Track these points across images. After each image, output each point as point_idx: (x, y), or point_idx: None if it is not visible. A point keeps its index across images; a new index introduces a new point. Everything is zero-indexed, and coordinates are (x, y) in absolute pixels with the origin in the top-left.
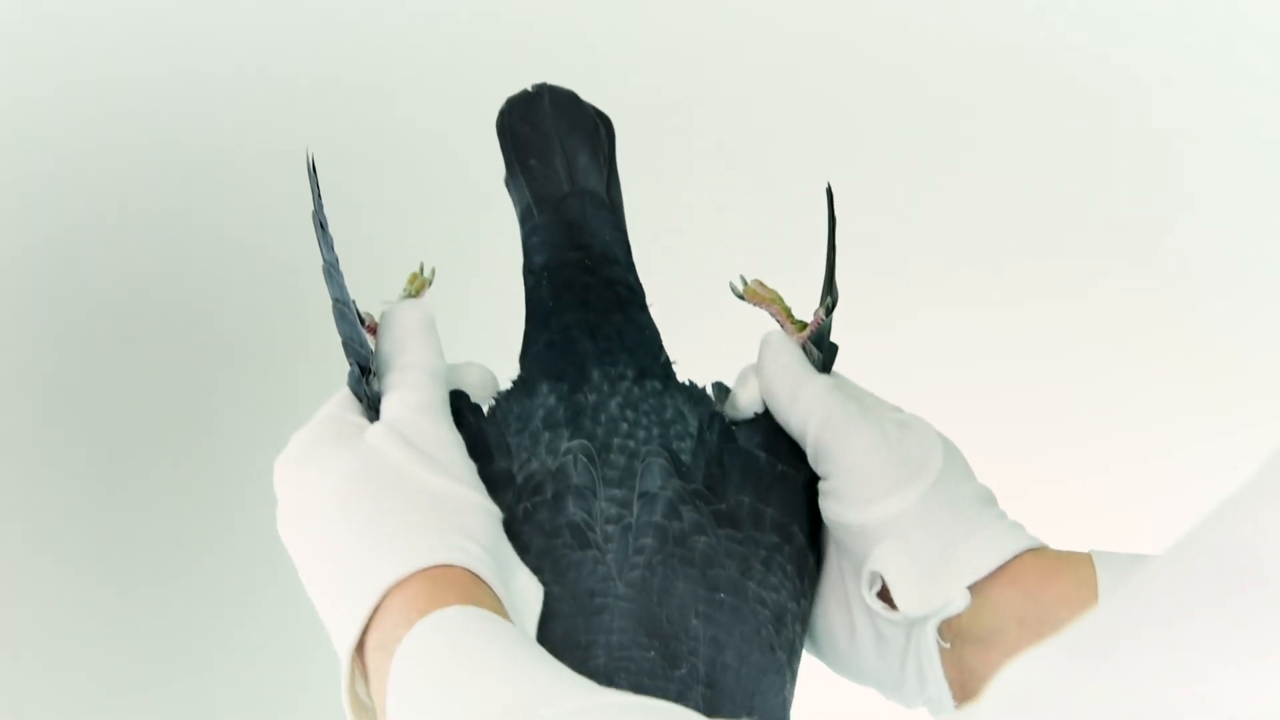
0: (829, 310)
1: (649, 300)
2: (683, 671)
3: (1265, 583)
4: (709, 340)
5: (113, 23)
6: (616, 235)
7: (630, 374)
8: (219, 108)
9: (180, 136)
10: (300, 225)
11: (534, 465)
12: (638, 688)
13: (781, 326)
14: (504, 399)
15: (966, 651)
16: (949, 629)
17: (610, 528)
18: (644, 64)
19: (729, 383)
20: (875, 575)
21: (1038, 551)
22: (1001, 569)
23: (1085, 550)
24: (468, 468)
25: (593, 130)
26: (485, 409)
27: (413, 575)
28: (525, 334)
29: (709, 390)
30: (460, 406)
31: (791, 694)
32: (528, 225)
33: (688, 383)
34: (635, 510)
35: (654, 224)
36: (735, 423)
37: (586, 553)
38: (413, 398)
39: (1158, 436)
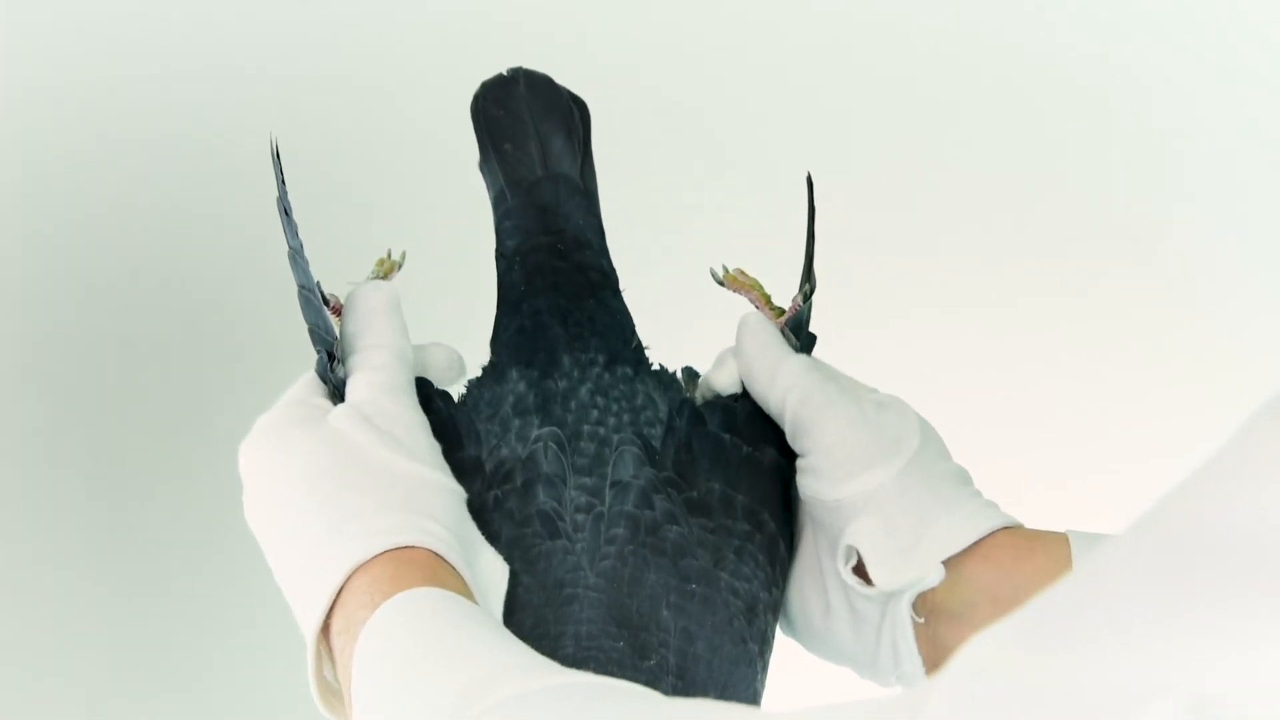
0: (806, 297)
1: (626, 286)
2: (652, 662)
3: (1218, 558)
4: (703, 331)
5: (112, 23)
6: (590, 220)
7: (601, 360)
8: (219, 108)
9: (180, 136)
10: (301, 225)
11: (504, 452)
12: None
13: (760, 312)
14: (474, 385)
15: (940, 627)
16: (924, 604)
17: (580, 516)
18: (643, 64)
19: (704, 369)
20: (851, 550)
21: (1012, 530)
22: (976, 546)
23: (1061, 530)
24: (431, 449)
25: (568, 114)
26: (455, 394)
27: (376, 557)
28: (496, 319)
29: (679, 375)
30: (429, 393)
31: (763, 685)
32: (500, 209)
33: (658, 368)
34: (607, 499)
35: (652, 220)
36: (705, 405)
37: (556, 542)
38: (377, 379)
39: (1158, 438)
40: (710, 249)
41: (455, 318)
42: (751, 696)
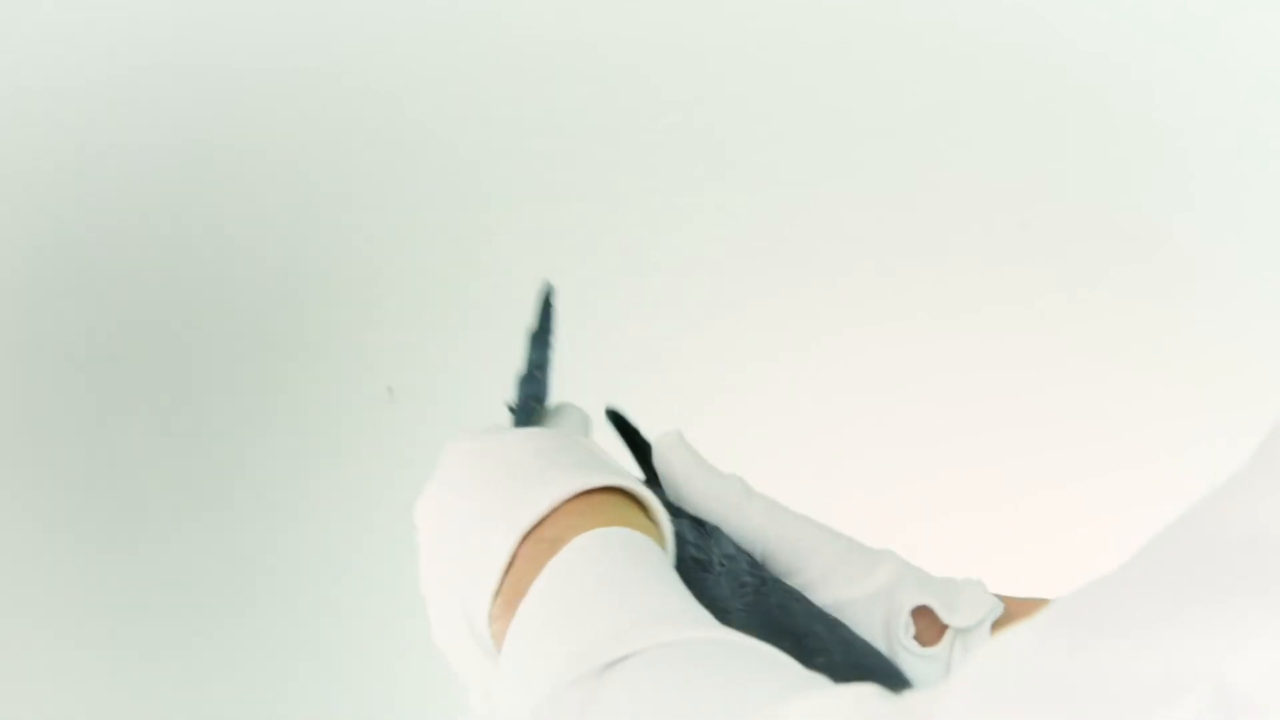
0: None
1: (626, 286)
2: (820, 660)
3: (1241, 558)
4: (703, 331)
5: (110, 23)
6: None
7: None
8: (217, 108)
9: (179, 136)
10: (300, 225)
11: None
12: None
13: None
14: None
15: None
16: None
17: (720, 567)
18: (643, 64)
19: (704, 368)
20: (913, 614)
21: (1008, 598)
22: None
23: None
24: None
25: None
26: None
27: (592, 491)
28: None
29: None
30: None
31: None
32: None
33: None
34: (730, 563)
35: (652, 220)
36: None
37: (706, 574)
38: None
39: (1158, 439)
40: (710, 249)
41: (456, 316)
42: None
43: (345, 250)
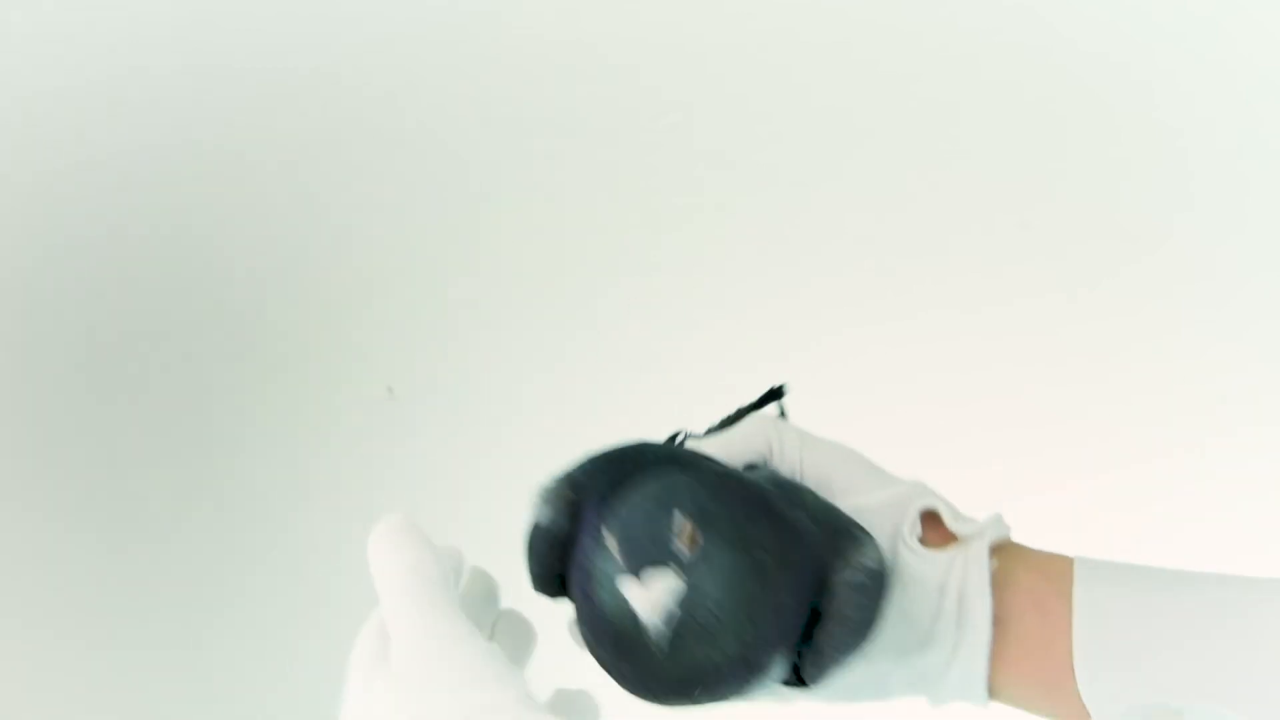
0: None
1: (626, 286)
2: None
3: None
4: (703, 331)
5: (110, 24)
6: None
7: None
8: (218, 108)
9: (179, 136)
10: (301, 225)
11: None
12: None
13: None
14: None
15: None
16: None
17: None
18: (643, 64)
19: (703, 367)
20: (919, 515)
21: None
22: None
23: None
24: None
25: None
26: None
27: None
28: None
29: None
30: None
31: None
32: None
33: None
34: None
35: (653, 220)
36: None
37: None
38: None
39: (1158, 439)
40: (710, 249)
41: (456, 316)
42: None
43: (345, 250)
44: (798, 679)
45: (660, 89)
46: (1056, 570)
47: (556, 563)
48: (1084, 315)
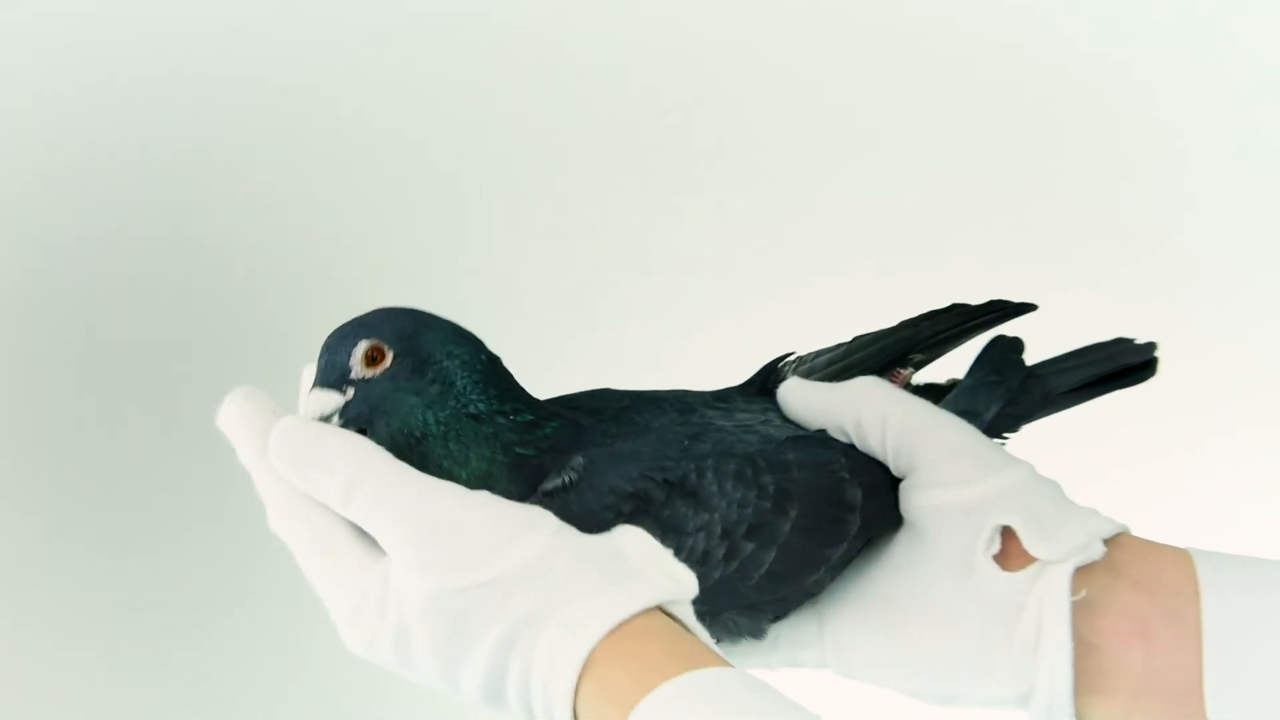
0: (918, 367)
1: (626, 286)
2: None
3: None
4: (703, 330)
5: (111, 25)
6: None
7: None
8: (218, 109)
9: (178, 137)
10: (300, 225)
11: None
12: None
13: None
14: None
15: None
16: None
17: None
18: (643, 64)
19: (702, 365)
20: (997, 532)
21: (1131, 535)
22: (1112, 540)
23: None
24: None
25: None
26: None
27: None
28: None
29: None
30: None
31: None
32: None
33: None
34: None
35: (652, 220)
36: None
37: None
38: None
39: (1158, 438)
40: (710, 249)
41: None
42: None
43: (345, 250)
44: None
45: (660, 89)
46: (1168, 582)
47: None
48: (1084, 315)
